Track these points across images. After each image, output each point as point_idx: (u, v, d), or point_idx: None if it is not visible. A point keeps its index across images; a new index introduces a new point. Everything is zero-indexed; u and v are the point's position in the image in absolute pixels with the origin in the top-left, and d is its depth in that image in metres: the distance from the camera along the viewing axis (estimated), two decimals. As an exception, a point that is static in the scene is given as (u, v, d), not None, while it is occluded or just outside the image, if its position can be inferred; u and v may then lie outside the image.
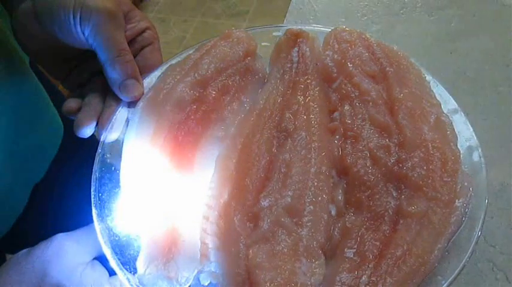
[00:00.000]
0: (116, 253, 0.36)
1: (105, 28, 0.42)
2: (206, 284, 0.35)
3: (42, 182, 0.59)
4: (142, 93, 0.43)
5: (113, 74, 0.42)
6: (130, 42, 0.46)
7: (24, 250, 0.40)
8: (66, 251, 0.38)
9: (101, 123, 0.43)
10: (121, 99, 0.44)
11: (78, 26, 0.42)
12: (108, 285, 0.37)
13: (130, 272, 0.35)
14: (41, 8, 0.43)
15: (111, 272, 0.39)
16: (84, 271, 0.38)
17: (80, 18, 0.42)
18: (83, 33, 0.42)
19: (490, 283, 0.46)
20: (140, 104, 0.43)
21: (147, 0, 2.34)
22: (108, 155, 0.42)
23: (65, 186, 0.57)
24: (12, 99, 0.52)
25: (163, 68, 0.46)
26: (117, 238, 0.38)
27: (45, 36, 0.44)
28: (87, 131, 0.42)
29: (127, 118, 0.43)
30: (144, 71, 0.46)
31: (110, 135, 0.42)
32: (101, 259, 0.40)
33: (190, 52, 0.47)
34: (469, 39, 0.68)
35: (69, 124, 0.45)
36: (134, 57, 0.46)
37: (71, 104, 0.45)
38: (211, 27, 2.14)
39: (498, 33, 0.68)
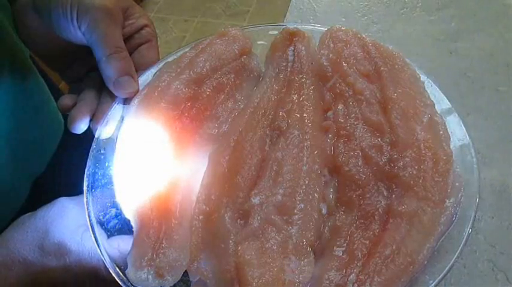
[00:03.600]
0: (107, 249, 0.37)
1: (101, 25, 0.42)
2: (195, 280, 0.35)
3: (43, 176, 0.60)
4: (137, 91, 0.44)
5: (108, 70, 0.43)
6: (128, 38, 0.47)
7: (28, 213, 0.41)
8: (68, 213, 0.40)
9: (95, 119, 0.43)
10: (116, 96, 0.44)
11: (75, 22, 0.43)
12: (107, 244, 0.37)
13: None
14: (40, 2, 0.44)
15: (110, 235, 0.39)
16: (84, 232, 0.39)
17: (77, 14, 0.42)
18: (80, 30, 0.43)
19: (490, 283, 0.45)
20: (135, 100, 0.43)
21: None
22: (102, 151, 0.42)
23: (66, 180, 0.58)
24: (14, 93, 0.53)
25: (160, 65, 0.47)
26: (109, 233, 0.38)
27: (44, 30, 0.45)
28: (80, 127, 0.43)
29: (122, 114, 0.44)
30: (140, 68, 0.46)
31: (104, 131, 0.42)
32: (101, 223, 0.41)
33: (186, 50, 0.47)
34: (469, 39, 0.68)
35: None
36: (131, 54, 0.46)
37: (66, 100, 0.45)
38: (211, 27, 2.15)
39: (498, 33, 0.68)
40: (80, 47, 0.46)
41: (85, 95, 0.45)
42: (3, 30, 0.50)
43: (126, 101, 0.44)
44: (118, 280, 0.35)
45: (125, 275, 0.35)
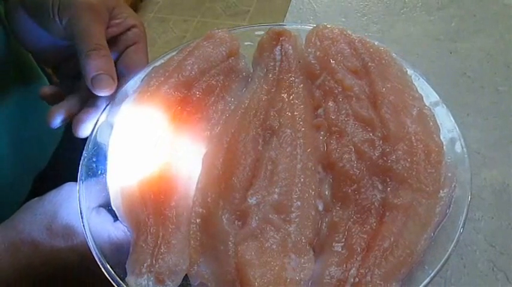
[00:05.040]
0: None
1: (82, 20, 0.42)
2: (196, 284, 0.35)
3: (45, 171, 0.61)
4: (114, 90, 0.43)
5: (86, 67, 0.42)
6: (114, 39, 0.46)
7: (36, 198, 0.43)
8: (75, 197, 0.40)
9: (76, 120, 0.43)
10: (100, 98, 0.43)
11: (57, 17, 0.42)
12: (113, 227, 0.38)
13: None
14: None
15: (115, 218, 0.40)
16: (91, 215, 0.39)
17: (59, 9, 0.42)
18: (61, 24, 0.43)
19: (490, 283, 0.45)
20: (125, 106, 0.43)
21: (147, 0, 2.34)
22: (94, 159, 0.42)
23: (67, 175, 0.59)
24: (18, 90, 0.53)
25: (147, 70, 0.46)
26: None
27: (35, 26, 0.45)
28: (55, 122, 0.43)
29: (112, 120, 0.43)
30: (127, 71, 0.46)
31: (94, 139, 0.42)
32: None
33: (173, 54, 0.47)
34: (469, 39, 0.68)
35: None
36: (119, 56, 0.46)
37: (46, 89, 0.46)
38: (211, 27, 2.12)
39: (498, 33, 0.68)
40: (71, 45, 0.45)
41: (71, 95, 0.45)
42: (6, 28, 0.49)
43: (113, 107, 0.44)
44: (103, 270, 0.35)
45: (116, 273, 0.35)
